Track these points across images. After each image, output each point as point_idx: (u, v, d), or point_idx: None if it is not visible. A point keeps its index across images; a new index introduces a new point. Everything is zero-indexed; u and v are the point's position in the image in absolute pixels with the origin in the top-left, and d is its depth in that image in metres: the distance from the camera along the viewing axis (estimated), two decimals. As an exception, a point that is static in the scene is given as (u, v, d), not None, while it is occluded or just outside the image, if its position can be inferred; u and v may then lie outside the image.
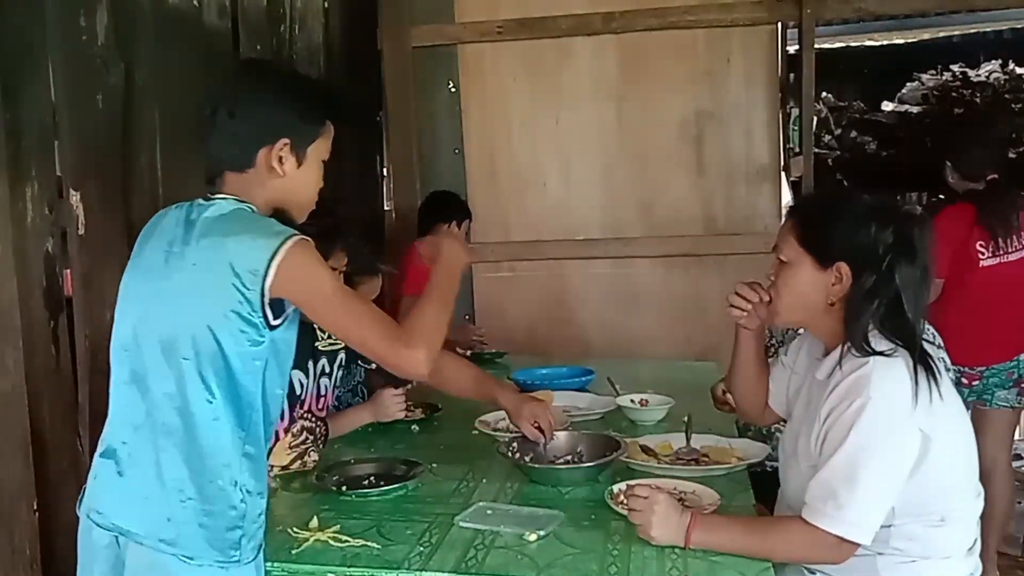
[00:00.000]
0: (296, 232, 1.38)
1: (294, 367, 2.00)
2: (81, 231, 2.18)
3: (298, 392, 2.02)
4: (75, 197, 2.16)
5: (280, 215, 1.48)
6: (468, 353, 3.39)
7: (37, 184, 2.06)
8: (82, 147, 2.20)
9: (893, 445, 1.49)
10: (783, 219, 1.70)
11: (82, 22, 2.17)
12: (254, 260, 1.34)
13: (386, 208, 4.36)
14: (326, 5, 3.64)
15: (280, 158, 1.45)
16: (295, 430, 2.02)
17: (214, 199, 1.45)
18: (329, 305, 1.40)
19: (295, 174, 1.47)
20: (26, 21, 2.02)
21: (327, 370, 2.07)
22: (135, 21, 2.37)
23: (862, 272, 1.55)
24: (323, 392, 2.08)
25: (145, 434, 1.40)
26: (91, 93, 2.23)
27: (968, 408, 3.01)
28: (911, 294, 1.55)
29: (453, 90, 4.11)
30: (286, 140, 1.45)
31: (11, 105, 1.98)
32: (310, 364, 2.03)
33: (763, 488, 1.94)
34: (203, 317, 1.36)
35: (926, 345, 1.58)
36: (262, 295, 1.34)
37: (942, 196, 3.98)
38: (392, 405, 2.29)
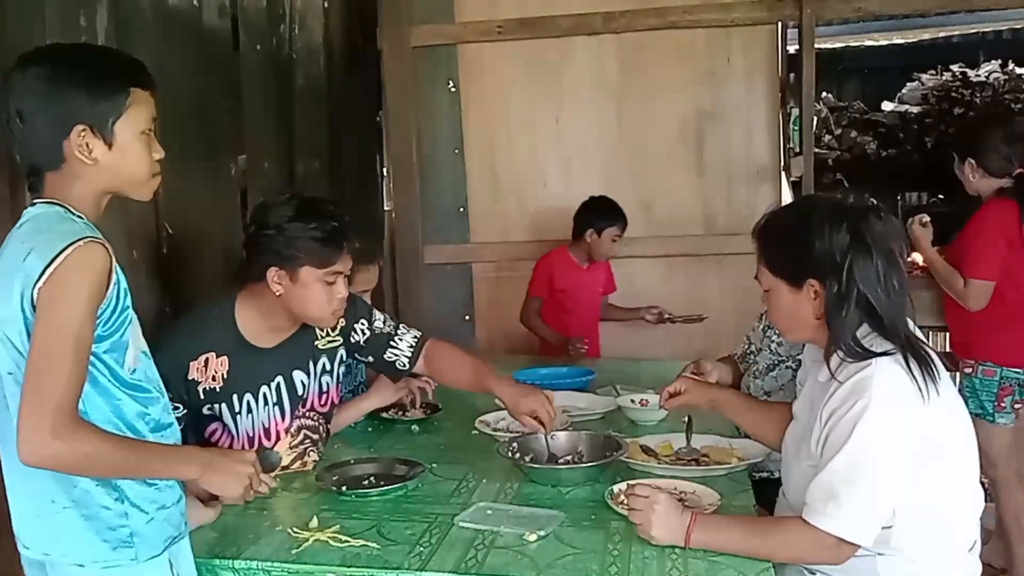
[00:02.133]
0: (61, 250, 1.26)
1: (296, 367, 2.01)
2: (81, 231, 2.18)
3: (300, 392, 2.02)
4: (75, 197, 2.16)
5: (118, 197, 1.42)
6: None
7: (37, 184, 2.05)
8: (82, 147, 2.19)
9: (894, 447, 1.48)
10: (754, 243, 1.73)
11: (82, 22, 2.17)
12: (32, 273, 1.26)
13: (386, 208, 4.36)
14: (326, 5, 3.64)
15: (85, 146, 1.34)
16: (293, 429, 2.02)
17: (29, 207, 1.38)
18: (48, 333, 1.26)
19: (110, 157, 1.36)
20: (26, 21, 2.02)
21: (328, 367, 2.07)
22: (135, 21, 2.36)
23: (827, 281, 1.55)
24: (325, 389, 2.07)
25: (6, 451, 1.37)
26: (91, 93, 2.22)
27: (1015, 415, 2.95)
28: (880, 290, 1.53)
29: (453, 90, 4.11)
30: (82, 126, 1.34)
31: (11, 105, 1.98)
32: (310, 363, 2.03)
33: (763, 492, 1.94)
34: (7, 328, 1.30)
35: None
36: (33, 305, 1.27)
37: (942, 196, 3.97)
38: (393, 393, 2.39)
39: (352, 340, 2.12)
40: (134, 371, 1.39)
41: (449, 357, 2.19)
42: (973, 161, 2.95)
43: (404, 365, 2.16)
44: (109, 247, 1.31)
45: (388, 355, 2.15)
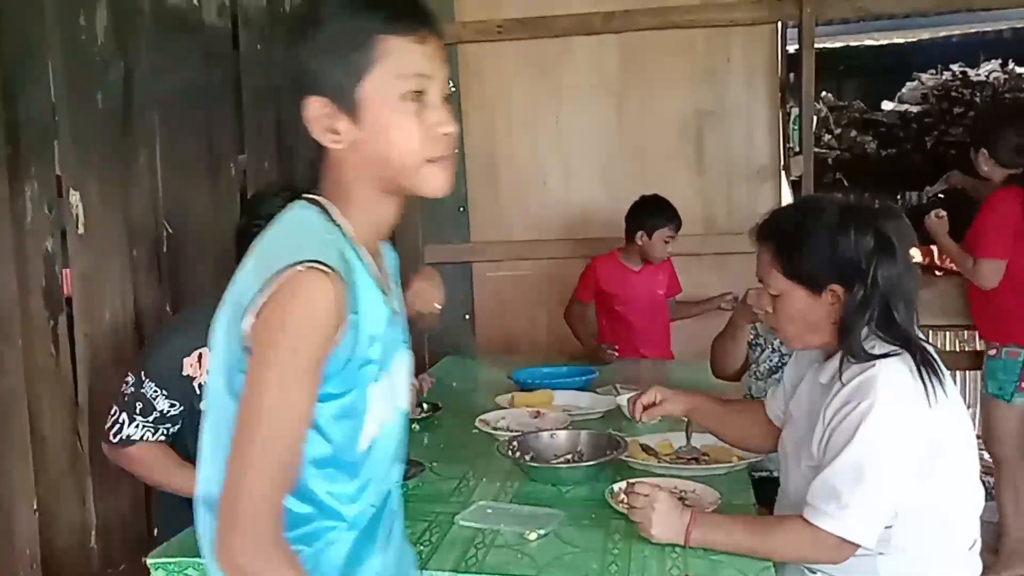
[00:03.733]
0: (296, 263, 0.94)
1: None
2: (80, 230, 2.19)
3: None
4: (75, 196, 2.17)
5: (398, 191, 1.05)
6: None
7: (37, 183, 2.06)
8: (82, 146, 2.20)
9: (898, 447, 1.48)
10: (756, 242, 1.68)
11: (82, 21, 2.18)
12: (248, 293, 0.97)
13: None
14: (326, 4, 3.63)
15: (326, 123, 1.00)
16: None
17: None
18: (255, 380, 0.95)
19: (360, 135, 1.00)
20: (26, 21, 2.02)
21: None
22: (135, 20, 2.37)
23: (852, 286, 1.53)
24: None
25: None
26: (91, 92, 2.23)
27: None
28: (898, 293, 1.53)
29: (453, 89, 4.09)
30: (319, 98, 0.99)
31: (11, 104, 1.98)
32: None
33: (763, 491, 1.93)
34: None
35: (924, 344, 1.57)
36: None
37: (942, 196, 3.98)
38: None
39: None
40: (367, 449, 1.04)
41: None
42: (986, 152, 3.12)
43: None
44: (339, 275, 0.95)
45: None
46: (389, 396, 1.06)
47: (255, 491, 0.92)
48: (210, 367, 1.05)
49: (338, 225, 1.02)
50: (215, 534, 0.94)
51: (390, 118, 0.99)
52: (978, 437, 3.47)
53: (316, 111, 1.00)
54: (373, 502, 1.07)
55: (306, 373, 0.94)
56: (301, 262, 0.93)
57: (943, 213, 3.23)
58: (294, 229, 1.02)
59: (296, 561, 0.96)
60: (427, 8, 1.02)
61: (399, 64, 0.99)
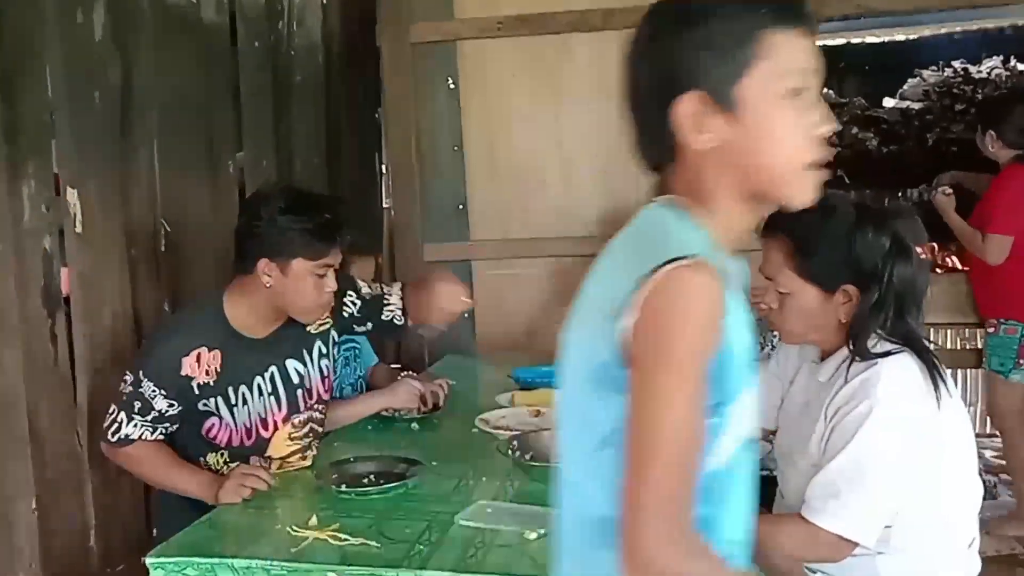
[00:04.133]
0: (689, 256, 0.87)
1: (289, 356, 2.00)
2: (79, 229, 2.18)
3: (295, 380, 2.01)
4: (73, 195, 2.17)
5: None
6: None
7: (35, 182, 2.05)
8: (80, 145, 2.20)
9: (899, 446, 1.47)
10: (763, 238, 1.63)
11: (80, 19, 2.17)
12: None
13: (385, 206, 4.36)
14: (324, 1, 3.63)
15: (698, 124, 0.93)
16: (302, 420, 2.02)
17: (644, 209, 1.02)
18: (648, 380, 0.88)
19: (734, 136, 0.93)
20: (24, 19, 2.02)
21: (324, 351, 2.07)
22: (133, 18, 2.36)
23: (867, 287, 1.52)
24: (326, 373, 2.07)
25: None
26: (89, 91, 2.23)
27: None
28: (911, 295, 1.53)
29: (452, 87, 4.10)
30: (696, 93, 0.92)
31: (9, 103, 1.98)
32: (304, 352, 2.03)
33: (763, 491, 1.92)
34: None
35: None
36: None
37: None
38: (408, 398, 2.34)
39: (345, 313, 2.12)
40: (716, 475, 0.93)
41: (420, 294, 2.19)
42: (993, 133, 3.19)
43: (400, 318, 2.19)
44: (720, 274, 0.89)
45: (385, 314, 2.18)
46: (739, 420, 0.94)
47: (662, 487, 0.86)
48: (566, 374, 0.99)
49: (700, 229, 0.95)
50: (624, 543, 0.87)
51: (771, 117, 0.92)
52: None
53: (691, 107, 0.92)
54: (732, 537, 0.98)
55: (703, 375, 0.87)
56: (684, 257, 0.86)
57: (950, 191, 3.30)
58: (662, 227, 0.95)
59: (710, 550, 0.91)
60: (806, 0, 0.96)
61: (783, 59, 0.92)
